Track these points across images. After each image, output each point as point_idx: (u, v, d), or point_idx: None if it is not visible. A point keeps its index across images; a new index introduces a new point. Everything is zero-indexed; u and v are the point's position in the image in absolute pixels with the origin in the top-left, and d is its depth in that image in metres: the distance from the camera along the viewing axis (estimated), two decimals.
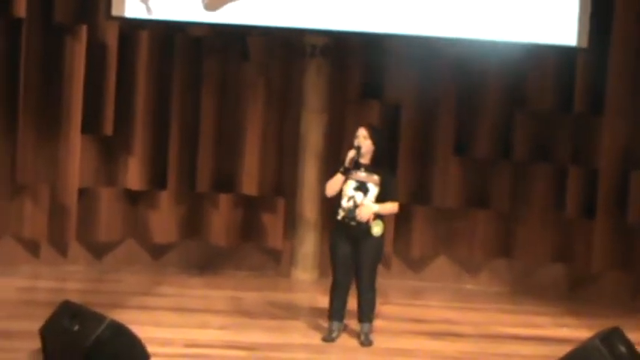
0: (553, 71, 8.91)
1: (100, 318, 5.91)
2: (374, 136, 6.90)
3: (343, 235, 6.87)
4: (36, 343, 6.13)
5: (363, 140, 6.87)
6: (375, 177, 6.83)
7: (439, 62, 8.89)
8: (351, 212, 6.81)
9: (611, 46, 8.72)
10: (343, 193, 6.84)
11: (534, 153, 9.01)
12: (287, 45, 8.90)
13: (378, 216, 6.84)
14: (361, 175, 6.83)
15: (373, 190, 6.82)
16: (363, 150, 6.84)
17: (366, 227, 6.81)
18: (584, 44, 8.67)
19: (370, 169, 6.85)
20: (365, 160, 6.86)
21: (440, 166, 9.03)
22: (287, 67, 8.96)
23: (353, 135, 6.96)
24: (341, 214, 6.85)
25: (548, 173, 8.99)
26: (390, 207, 6.91)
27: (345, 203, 6.83)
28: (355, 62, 8.98)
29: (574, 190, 8.91)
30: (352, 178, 6.84)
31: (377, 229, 6.83)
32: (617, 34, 8.69)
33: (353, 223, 6.81)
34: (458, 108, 8.97)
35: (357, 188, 6.82)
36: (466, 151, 9.05)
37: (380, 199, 6.83)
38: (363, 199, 6.80)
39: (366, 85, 9.01)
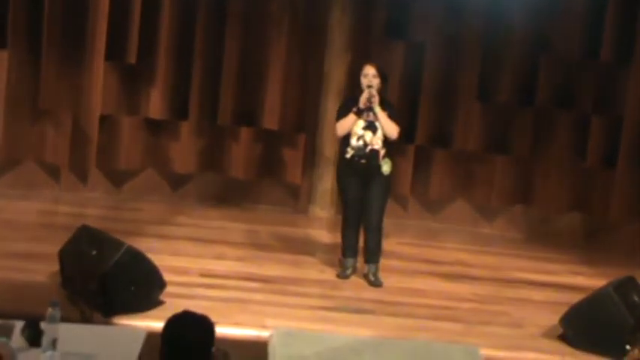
0: (581, 18, 8.79)
1: (118, 244, 5.99)
2: (382, 73, 6.87)
3: (352, 173, 6.88)
4: (55, 266, 6.22)
5: (373, 79, 6.83)
6: (385, 114, 6.83)
7: (466, 4, 8.78)
8: (360, 150, 6.81)
9: None
10: (352, 132, 6.84)
11: (557, 100, 8.94)
12: None
13: (386, 155, 6.83)
14: (371, 114, 6.81)
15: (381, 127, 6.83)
16: (375, 88, 6.81)
17: (375, 165, 6.82)
18: None
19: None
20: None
21: (462, 110, 8.98)
22: (312, 3, 8.88)
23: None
24: (350, 152, 6.85)
25: (571, 121, 8.92)
26: (393, 124, 6.84)
27: (354, 142, 6.83)
28: (381, 1, 8.89)
29: (596, 139, 8.85)
30: (362, 118, 6.82)
31: (386, 167, 6.86)
32: None
33: (363, 161, 6.81)
34: (483, 51, 8.88)
35: (366, 127, 6.83)
36: (489, 96, 8.99)
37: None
38: (373, 138, 6.80)
39: (390, 25, 8.93)
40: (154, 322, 5.20)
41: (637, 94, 8.71)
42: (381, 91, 6.89)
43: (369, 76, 6.84)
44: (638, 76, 8.67)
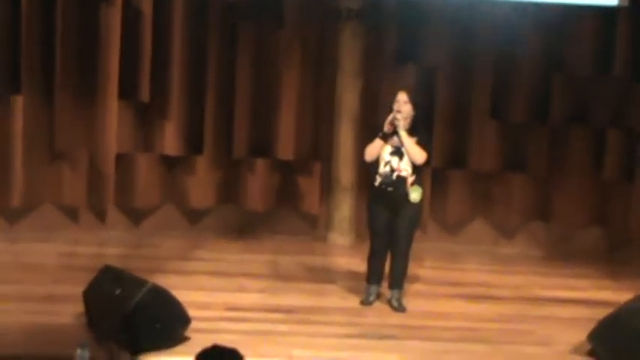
0: (592, 33, 8.79)
1: (141, 282, 5.98)
2: (414, 100, 6.87)
3: (381, 201, 6.84)
4: (79, 307, 6.22)
5: (403, 105, 6.83)
6: (413, 140, 6.81)
7: (476, 25, 8.80)
8: (387, 177, 6.78)
9: None
10: (380, 158, 6.82)
11: (572, 116, 8.93)
12: (322, 8, 8.85)
13: (416, 182, 6.81)
14: (396, 138, 6.80)
15: None
16: (404, 115, 6.81)
17: (403, 193, 6.78)
18: (625, 3, 8.52)
19: (408, 133, 6.82)
20: (404, 124, 6.83)
21: (476, 130, 8.98)
22: (322, 30, 8.91)
23: (389, 99, 6.94)
24: (378, 179, 6.82)
25: (586, 136, 8.91)
26: (420, 149, 6.77)
27: (382, 169, 6.81)
28: (391, 25, 8.91)
29: (612, 153, 8.84)
30: (389, 143, 6.82)
31: (415, 194, 6.79)
32: None
33: (390, 189, 6.78)
34: (495, 71, 8.89)
35: (393, 153, 6.80)
36: (503, 115, 8.99)
37: None
38: (400, 163, 6.78)
39: (401, 49, 8.96)
40: (181, 358, 5.19)
41: None
42: (414, 118, 6.88)
43: (400, 102, 6.84)
44: None
